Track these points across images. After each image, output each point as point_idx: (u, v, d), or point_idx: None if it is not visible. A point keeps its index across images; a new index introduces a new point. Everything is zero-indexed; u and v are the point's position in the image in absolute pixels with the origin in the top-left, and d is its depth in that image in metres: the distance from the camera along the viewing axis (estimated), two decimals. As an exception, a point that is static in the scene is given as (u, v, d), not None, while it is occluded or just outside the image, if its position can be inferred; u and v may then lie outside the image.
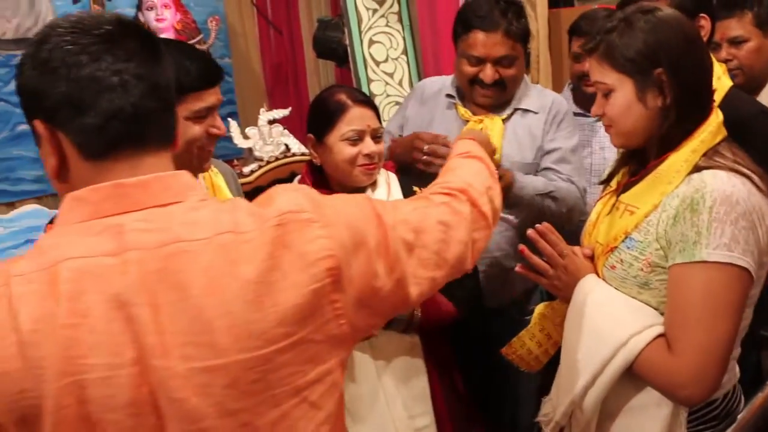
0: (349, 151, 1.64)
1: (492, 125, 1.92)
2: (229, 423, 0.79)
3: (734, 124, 1.26)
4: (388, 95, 2.77)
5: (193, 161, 1.38)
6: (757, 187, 1.17)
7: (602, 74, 1.25)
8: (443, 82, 2.09)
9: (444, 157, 1.66)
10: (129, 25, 0.86)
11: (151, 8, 3.23)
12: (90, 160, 0.82)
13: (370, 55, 2.80)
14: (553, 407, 1.33)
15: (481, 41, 1.87)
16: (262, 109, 2.59)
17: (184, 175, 0.87)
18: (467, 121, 1.96)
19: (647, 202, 1.22)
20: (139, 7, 3.30)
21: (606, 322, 1.23)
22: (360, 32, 2.78)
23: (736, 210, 1.13)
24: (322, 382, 0.85)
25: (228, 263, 0.79)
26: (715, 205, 1.13)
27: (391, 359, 1.63)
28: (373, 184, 1.74)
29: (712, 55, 1.73)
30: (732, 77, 2.00)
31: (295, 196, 0.87)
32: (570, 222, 1.91)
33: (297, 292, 0.81)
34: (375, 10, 2.79)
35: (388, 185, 1.74)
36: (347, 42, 2.82)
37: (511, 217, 1.97)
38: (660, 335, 1.19)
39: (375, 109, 1.71)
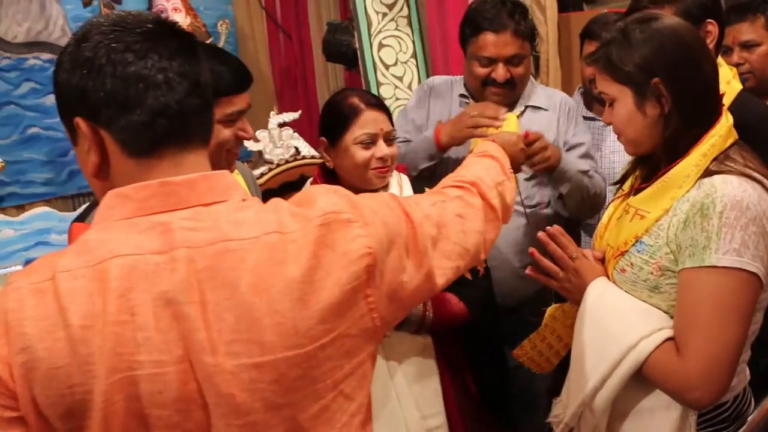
0: (362, 154, 1.66)
1: (507, 122, 1.95)
2: (274, 417, 0.81)
3: (742, 128, 1.27)
4: (397, 98, 2.79)
5: (222, 163, 1.41)
6: None
7: (604, 85, 1.29)
8: (451, 81, 2.16)
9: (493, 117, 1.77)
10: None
11: (161, 12, 3.25)
12: (134, 158, 0.83)
13: (380, 58, 2.82)
14: (563, 408, 1.34)
15: (492, 42, 1.93)
16: (272, 112, 2.61)
17: (227, 175, 0.88)
18: None
19: (658, 207, 1.23)
20: (149, 11, 3.33)
21: (616, 325, 1.24)
22: (370, 36, 2.80)
23: (746, 215, 1.14)
24: (355, 374, 0.88)
25: (274, 263, 0.80)
26: (726, 211, 1.14)
27: (403, 360, 1.65)
28: (385, 186, 1.75)
29: (722, 59, 1.75)
30: (743, 81, 2.02)
31: (332, 197, 0.89)
32: (597, 208, 2.02)
33: (338, 289, 0.83)
34: (385, 14, 2.80)
35: (399, 187, 1.76)
36: (357, 45, 2.84)
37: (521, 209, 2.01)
38: (669, 338, 1.19)
39: (387, 112, 1.72)
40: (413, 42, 2.86)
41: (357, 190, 1.68)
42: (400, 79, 2.87)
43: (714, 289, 1.14)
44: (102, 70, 0.80)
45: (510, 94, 2.00)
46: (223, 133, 1.38)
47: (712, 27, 1.69)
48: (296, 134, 2.61)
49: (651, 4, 1.68)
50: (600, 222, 1.44)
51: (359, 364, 0.89)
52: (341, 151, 1.68)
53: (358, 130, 1.65)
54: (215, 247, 0.80)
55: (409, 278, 0.93)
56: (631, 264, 1.25)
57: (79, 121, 0.83)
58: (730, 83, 1.71)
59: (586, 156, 2.04)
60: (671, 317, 1.22)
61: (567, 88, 2.76)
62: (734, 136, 1.25)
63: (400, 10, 2.83)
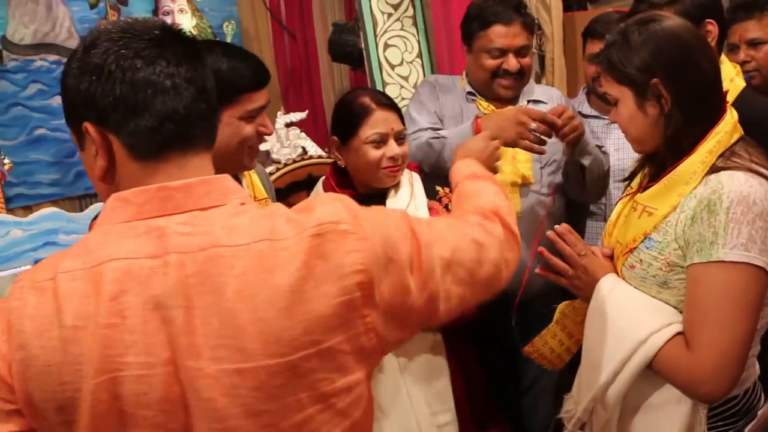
0: (373, 154, 1.67)
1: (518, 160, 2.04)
2: (254, 424, 0.81)
3: (745, 125, 1.29)
4: (402, 98, 2.80)
5: (244, 159, 1.44)
6: None
7: (608, 86, 1.32)
8: (452, 79, 2.21)
9: (557, 128, 1.78)
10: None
11: (168, 13, 3.26)
12: (140, 161, 0.85)
13: (385, 58, 2.83)
14: (574, 404, 1.36)
15: (503, 33, 2.00)
16: (279, 113, 2.63)
17: (226, 178, 0.89)
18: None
19: (665, 203, 1.25)
20: (155, 12, 3.35)
21: (626, 321, 1.25)
22: (375, 36, 2.81)
23: (753, 210, 1.15)
24: (351, 392, 0.87)
25: (263, 270, 0.81)
26: (732, 206, 1.16)
27: (414, 356, 1.66)
28: (396, 185, 1.76)
29: (725, 57, 1.76)
30: (750, 78, 2.05)
31: (335, 206, 0.88)
32: (605, 187, 2.11)
33: (327, 302, 0.81)
34: (390, 14, 2.81)
35: (411, 185, 1.77)
36: (362, 45, 2.85)
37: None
38: (679, 333, 1.21)
39: (398, 111, 1.73)
40: (419, 42, 2.86)
41: (368, 189, 1.73)
42: (406, 78, 2.88)
43: (722, 283, 1.15)
44: (111, 75, 0.82)
45: (518, 85, 2.07)
46: (246, 129, 1.41)
47: (712, 27, 1.71)
48: (303, 134, 2.63)
49: (651, 6, 1.71)
50: (608, 219, 1.46)
51: (356, 383, 0.87)
52: (352, 150, 1.70)
53: (369, 130, 1.67)
54: (206, 252, 0.81)
55: (414, 300, 0.90)
56: (641, 260, 1.27)
57: (88, 126, 0.85)
58: (733, 81, 1.72)
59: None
60: (680, 312, 1.23)
61: (572, 86, 2.78)
62: (739, 131, 1.26)
63: (406, 10, 2.84)
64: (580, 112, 2.29)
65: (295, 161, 2.54)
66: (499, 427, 1.79)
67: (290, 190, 2.46)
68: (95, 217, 1.40)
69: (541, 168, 2.11)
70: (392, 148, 1.68)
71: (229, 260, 0.80)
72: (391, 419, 1.65)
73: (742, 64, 2.14)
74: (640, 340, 1.21)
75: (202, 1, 3.42)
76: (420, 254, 0.92)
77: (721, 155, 1.23)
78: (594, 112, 2.40)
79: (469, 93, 2.12)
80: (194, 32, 3.29)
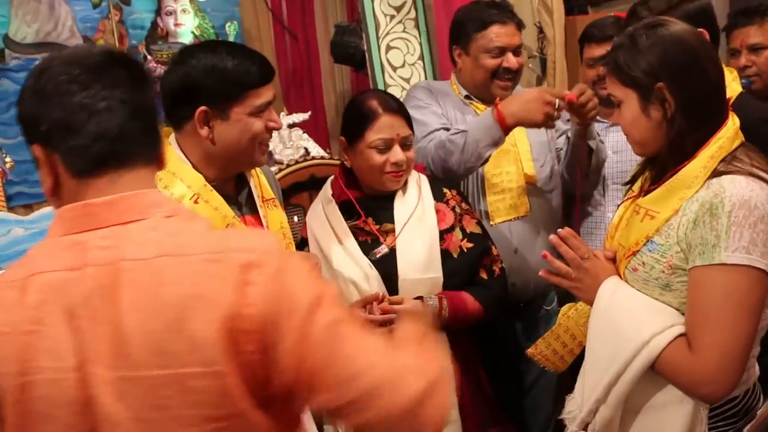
0: (377, 158, 1.69)
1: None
2: (141, 430, 0.86)
3: (741, 129, 1.31)
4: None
5: (255, 155, 1.46)
6: None
7: (613, 88, 1.33)
8: (443, 85, 2.22)
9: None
10: (117, 55, 0.97)
11: (170, 13, 3.27)
12: (77, 178, 0.92)
13: (388, 60, 2.84)
14: (577, 405, 1.37)
15: (503, 32, 2.04)
16: (282, 113, 2.64)
17: (150, 193, 0.95)
18: None
19: (668, 207, 1.26)
20: (158, 12, 3.36)
21: (629, 323, 1.27)
22: (378, 38, 2.83)
23: (754, 214, 1.17)
24: (237, 425, 0.87)
25: (157, 284, 0.86)
26: (734, 210, 1.17)
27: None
28: (404, 187, 1.78)
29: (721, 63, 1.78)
30: (750, 83, 2.09)
31: (267, 239, 0.94)
32: (600, 174, 2.19)
33: (213, 326, 0.84)
34: (392, 16, 2.83)
35: (418, 187, 1.79)
36: (365, 47, 2.86)
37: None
38: (681, 335, 1.22)
39: (406, 116, 1.74)
40: (420, 44, 2.88)
41: (374, 190, 1.75)
42: (408, 80, 2.90)
43: (724, 286, 1.17)
44: (51, 99, 0.90)
45: (513, 85, 2.12)
46: (256, 125, 1.43)
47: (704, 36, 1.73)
48: (306, 135, 2.64)
49: (650, 12, 1.73)
50: (610, 223, 1.47)
51: (243, 418, 0.87)
52: (358, 152, 1.71)
53: (374, 135, 1.68)
54: (115, 265, 0.87)
55: (284, 367, 0.87)
56: (643, 263, 1.28)
57: (35, 147, 0.93)
58: (729, 86, 1.75)
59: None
60: (682, 314, 1.25)
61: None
62: (741, 138, 1.28)
63: (408, 12, 2.86)
64: None
65: (297, 162, 2.55)
66: (501, 427, 1.81)
67: (292, 190, 2.47)
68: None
69: (541, 166, 2.14)
70: (396, 153, 1.69)
71: (130, 273, 0.87)
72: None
73: (743, 68, 2.18)
74: (643, 341, 1.22)
75: (205, 2, 3.43)
76: (309, 332, 0.88)
77: (723, 160, 1.24)
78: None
79: (466, 97, 2.15)
80: (197, 32, 3.30)
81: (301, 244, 1.82)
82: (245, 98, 1.41)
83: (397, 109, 1.73)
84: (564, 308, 1.54)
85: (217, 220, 1.43)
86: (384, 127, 1.68)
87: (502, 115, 1.83)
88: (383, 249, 1.72)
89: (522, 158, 2.09)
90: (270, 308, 0.86)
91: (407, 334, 1.02)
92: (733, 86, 1.79)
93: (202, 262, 0.87)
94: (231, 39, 3.42)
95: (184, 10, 3.28)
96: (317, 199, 1.85)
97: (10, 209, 3.12)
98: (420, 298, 1.69)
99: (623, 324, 1.28)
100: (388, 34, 2.84)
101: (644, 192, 1.36)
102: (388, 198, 1.77)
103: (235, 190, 1.55)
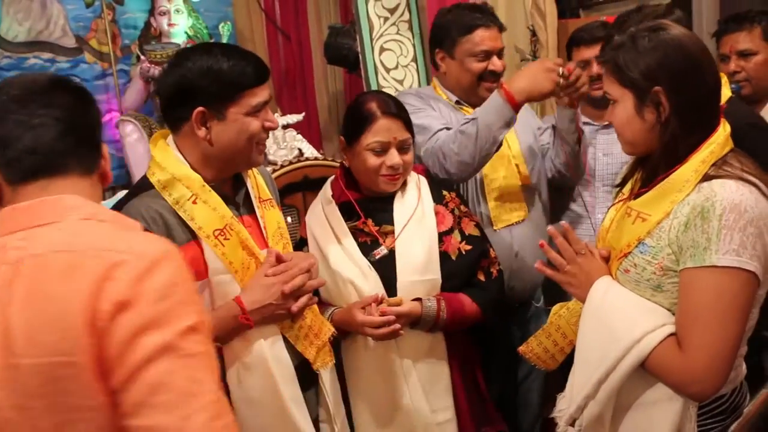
0: (373, 161, 1.70)
1: None
2: (19, 417, 0.92)
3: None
4: (397, 102, 2.83)
5: (253, 154, 1.48)
6: (764, 194, 1.24)
7: (609, 86, 1.35)
8: (429, 91, 2.22)
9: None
10: (62, 82, 1.09)
11: (164, 13, 3.27)
12: (12, 186, 1.03)
13: (381, 62, 2.86)
14: (568, 402, 1.39)
15: (488, 36, 2.06)
16: (276, 114, 2.65)
17: (67, 198, 1.02)
18: None
19: (659, 210, 1.28)
20: (151, 12, 3.36)
21: (620, 322, 1.29)
22: (371, 39, 2.84)
23: (744, 217, 1.19)
24: (93, 418, 0.92)
25: (43, 278, 0.93)
26: (725, 213, 1.19)
27: (416, 356, 1.70)
28: (404, 189, 1.79)
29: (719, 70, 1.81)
30: (740, 88, 2.13)
31: (156, 245, 0.98)
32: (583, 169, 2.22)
33: (78, 318, 0.90)
34: (386, 18, 2.85)
35: (418, 189, 1.79)
36: (358, 49, 2.88)
37: None
38: (671, 334, 1.25)
39: (405, 120, 1.75)
40: (414, 46, 2.90)
41: (371, 192, 1.76)
42: (401, 82, 2.92)
43: (714, 287, 1.20)
44: None
45: (497, 86, 2.09)
46: (253, 124, 1.45)
47: None
48: (300, 136, 2.65)
49: (643, 18, 1.75)
50: (601, 225, 1.49)
51: (100, 411, 0.92)
52: (355, 153, 1.73)
53: (371, 137, 1.70)
54: (19, 263, 0.95)
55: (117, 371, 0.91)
56: (635, 264, 1.30)
57: None
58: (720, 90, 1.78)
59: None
60: (673, 314, 1.27)
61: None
62: (731, 144, 1.30)
63: (402, 14, 2.87)
64: None
65: (291, 163, 2.56)
66: (496, 425, 1.83)
67: (286, 191, 2.48)
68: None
69: (531, 169, 2.17)
70: (392, 157, 1.70)
71: (25, 269, 0.94)
72: (393, 415, 1.69)
73: (733, 74, 2.21)
74: (635, 339, 1.25)
75: (198, 2, 3.43)
76: (134, 343, 0.91)
77: (714, 164, 1.26)
78: (583, 118, 2.45)
79: (457, 102, 2.15)
80: (190, 32, 3.30)
81: (300, 243, 1.83)
82: (241, 98, 1.43)
83: (396, 112, 1.73)
84: (555, 307, 1.56)
85: (216, 220, 1.45)
86: (381, 130, 1.69)
87: (510, 94, 1.81)
88: (382, 250, 1.73)
89: (517, 161, 2.12)
90: (118, 307, 0.91)
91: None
92: (723, 91, 1.81)
93: (82, 258, 0.94)
94: (224, 39, 3.42)
95: (177, 10, 3.28)
96: (317, 199, 1.86)
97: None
98: (418, 299, 1.70)
99: (615, 322, 1.30)
100: (381, 35, 2.86)
101: (635, 194, 1.38)
102: (388, 200, 1.78)
103: (232, 191, 1.57)
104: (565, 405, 1.41)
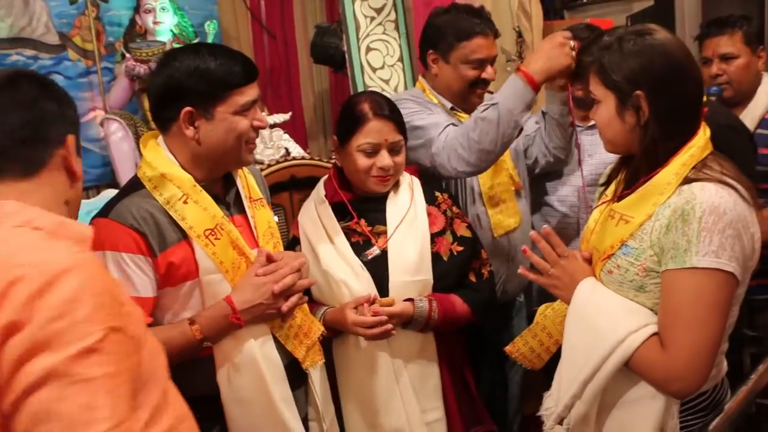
0: (363, 161, 1.71)
1: None
2: None
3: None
4: (384, 101, 2.84)
5: (242, 154, 1.49)
6: (742, 197, 1.27)
7: (594, 86, 1.38)
8: (420, 94, 2.19)
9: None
10: (12, 76, 1.05)
11: (149, 11, 3.25)
12: None
13: (367, 61, 2.87)
14: (555, 401, 1.41)
15: (484, 44, 2.05)
16: (263, 114, 2.65)
17: (7, 204, 1.00)
18: None
19: (641, 212, 1.31)
20: (136, 10, 3.34)
21: (605, 322, 1.32)
22: (358, 39, 2.86)
23: (723, 220, 1.22)
24: None
25: None
26: (705, 216, 1.22)
27: (407, 356, 1.72)
28: (396, 189, 1.80)
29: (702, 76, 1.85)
30: (722, 90, 2.18)
31: (74, 257, 0.92)
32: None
33: None
34: (373, 18, 2.86)
35: (411, 190, 1.81)
36: (345, 48, 2.89)
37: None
38: (654, 334, 1.28)
39: (397, 121, 1.75)
40: (400, 46, 2.92)
41: (364, 192, 1.78)
42: (387, 82, 2.94)
43: (695, 288, 1.23)
44: None
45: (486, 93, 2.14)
46: (241, 123, 1.46)
47: None
48: (286, 135, 2.66)
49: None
50: (585, 226, 1.52)
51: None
52: (347, 154, 1.74)
53: (362, 138, 1.71)
54: None
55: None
56: (618, 266, 1.33)
57: None
58: None
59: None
60: (656, 314, 1.30)
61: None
62: (710, 147, 1.33)
63: (388, 14, 2.89)
64: None
65: (278, 162, 2.57)
66: (486, 425, 1.84)
67: (273, 190, 2.47)
68: (97, 215, 1.45)
69: (518, 174, 2.21)
70: (383, 158, 1.71)
71: None
72: (384, 415, 1.70)
73: (715, 76, 2.27)
74: (619, 339, 1.27)
75: (183, 0, 3.42)
76: (21, 363, 0.85)
77: (693, 167, 1.29)
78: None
79: (452, 108, 2.15)
80: (176, 31, 3.28)
81: (293, 243, 1.84)
82: (229, 97, 1.44)
83: (389, 114, 1.74)
84: (541, 308, 1.59)
85: (207, 220, 1.46)
86: (372, 131, 1.70)
87: (530, 76, 1.78)
88: (375, 251, 1.74)
89: (508, 166, 2.15)
90: (8, 329, 0.85)
91: None
92: None
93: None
94: (210, 38, 3.41)
95: (163, 8, 3.26)
96: (310, 198, 1.87)
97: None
98: (410, 300, 1.71)
99: (599, 323, 1.32)
100: (368, 35, 2.88)
101: (618, 197, 1.41)
102: (381, 200, 1.79)
103: (223, 191, 1.57)
104: (552, 404, 1.43)
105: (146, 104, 3.19)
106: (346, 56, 2.90)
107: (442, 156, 1.88)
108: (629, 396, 1.32)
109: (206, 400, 1.47)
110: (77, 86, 3.12)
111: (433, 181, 1.90)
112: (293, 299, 1.51)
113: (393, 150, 1.73)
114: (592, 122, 2.29)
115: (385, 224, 1.77)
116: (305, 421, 1.61)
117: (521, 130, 1.87)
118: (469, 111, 2.07)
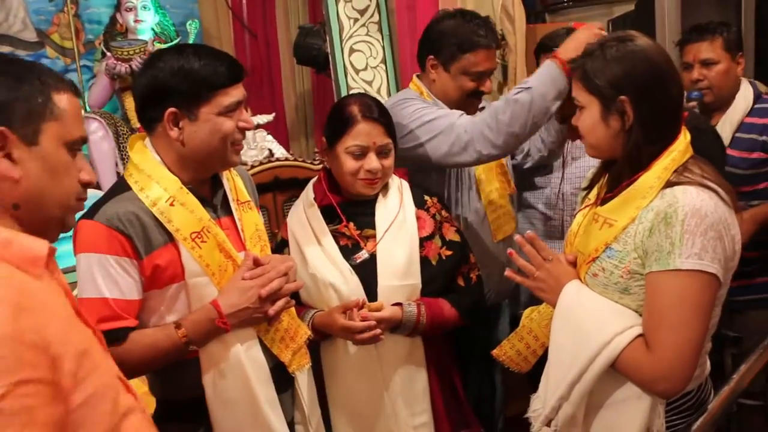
0: (351, 164, 1.71)
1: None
2: None
3: None
4: (367, 103, 2.85)
5: (228, 155, 1.48)
6: (723, 199, 1.30)
7: (577, 92, 1.40)
8: (418, 96, 2.17)
9: None
10: None
11: (130, 9, 3.23)
12: None
13: (351, 63, 2.87)
14: (542, 403, 1.43)
15: (487, 57, 2.03)
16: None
17: None
18: None
19: (625, 215, 1.33)
20: (117, 8, 3.30)
21: (591, 324, 1.34)
22: (341, 40, 2.86)
23: (705, 222, 1.25)
24: None
25: None
26: (687, 218, 1.25)
27: (395, 360, 1.72)
28: (385, 193, 1.80)
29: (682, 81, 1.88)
30: (702, 95, 2.21)
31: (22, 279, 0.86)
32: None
33: None
34: (356, 19, 2.86)
35: (400, 193, 1.80)
36: (328, 49, 2.89)
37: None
38: (640, 335, 1.30)
39: (386, 124, 1.74)
40: (383, 47, 2.92)
41: (353, 195, 1.77)
42: (370, 83, 2.94)
43: (678, 289, 1.25)
44: None
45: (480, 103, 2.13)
46: (226, 124, 1.45)
47: None
48: (270, 136, 2.65)
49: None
50: (569, 229, 1.54)
51: None
52: (335, 156, 1.74)
53: (350, 141, 1.70)
54: None
55: None
56: (603, 269, 1.35)
57: None
58: None
59: None
60: (640, 315, 1.32)
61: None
62: (691, 151, 1.36)
63: (371, 16, 2.89)
64: None
65: (261, 163, 2.55)
66: (473, 428, 1.85)
67: (257, 191, 2.47)
68: (83, 216, 1.43)
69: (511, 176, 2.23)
70: (371, 161, 1.71)
71: None
72: (371, 418, 1.70)
73: (696, 81, 2.31)
74: (605, 341, 1.29)
75: (164, -2, 3.39)
76: None
77: (675, 171, 1.32)
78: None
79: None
80: (157, 29, 3.26)
81: (281, 245, 1.83)
82: (213, 98, 1.43)
83: (378, 116, 1.73)
84: (527, 311, 1.60)
85: (193, 223, 1.45)
86: (360, 133, 1.70)
87: (562, 62, 1.75)
88: (363, 254, 1.73)
89: (505, 170, 2.17)
90: None
91: None
92: None
93: None
94: (192, 37, 3.39)
95: (144, 7, 3.24)
96: (299, 201, 1.86)
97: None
98: (399, 304, 1.71)
99: (586, 325, 1.34)
100: (351, 36, 2.88)
101: (601, 200, 1.43)
102: (370, 204, 1.78)
103: (210, 193, 1.57)
104: (539, 405, 1.45)
105: (127, 103, 3.16)
106: (330, 57, 2.89)
107: (464, 138, 1.84)
108: (616, 397, 1.33)
109: (192, 402, 1.48)
110: (56, 85, 3.09)
111: (422, 185, 1.90)
112: (280, 303, 1.51)
113: (381, 153, 1.73)
114: None
115: (374, 228, 1.76)
116: (291, 424, 1.60)
117: (551, 117, 1.84)
118: None
